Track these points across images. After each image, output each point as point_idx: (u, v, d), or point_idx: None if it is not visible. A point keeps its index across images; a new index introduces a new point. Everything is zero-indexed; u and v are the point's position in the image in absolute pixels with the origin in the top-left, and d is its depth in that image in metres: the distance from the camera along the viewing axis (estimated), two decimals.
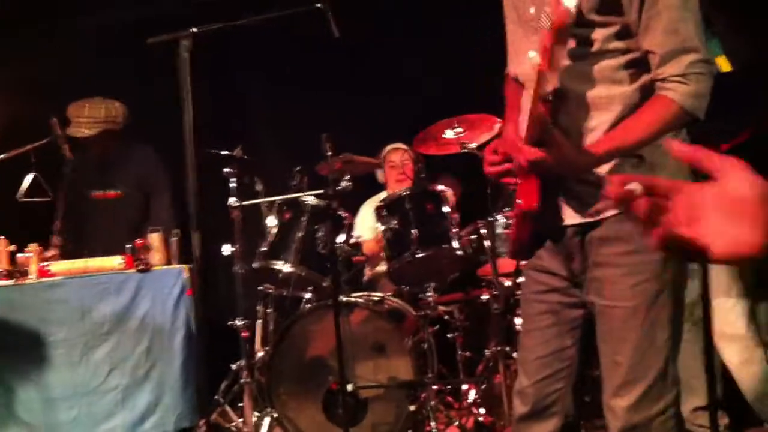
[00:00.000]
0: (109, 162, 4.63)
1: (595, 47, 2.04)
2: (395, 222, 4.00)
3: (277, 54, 5.39)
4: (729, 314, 3.30)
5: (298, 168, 4.27)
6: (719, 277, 3.25)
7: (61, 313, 3.92)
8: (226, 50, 4.68)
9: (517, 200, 2.09)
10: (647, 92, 2.04)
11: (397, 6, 5.36)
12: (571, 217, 2.13)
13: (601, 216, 2.08)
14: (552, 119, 2.02)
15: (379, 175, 5.16)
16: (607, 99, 2.05)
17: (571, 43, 2.03)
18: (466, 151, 4.15)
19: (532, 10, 2.11)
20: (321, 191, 4.05)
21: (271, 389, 3.97)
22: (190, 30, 3.00)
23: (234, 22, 3.07)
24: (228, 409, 4.28)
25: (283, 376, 3.98)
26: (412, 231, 3.94)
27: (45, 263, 3.97)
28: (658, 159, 2.04)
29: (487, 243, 4.12)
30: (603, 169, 2.05)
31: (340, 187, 3.96)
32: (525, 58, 2.08)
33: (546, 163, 1.98)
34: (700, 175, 1.01)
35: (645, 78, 2.04)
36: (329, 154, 3.73)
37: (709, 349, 2.91)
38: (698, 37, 1.98)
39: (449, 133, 4.32)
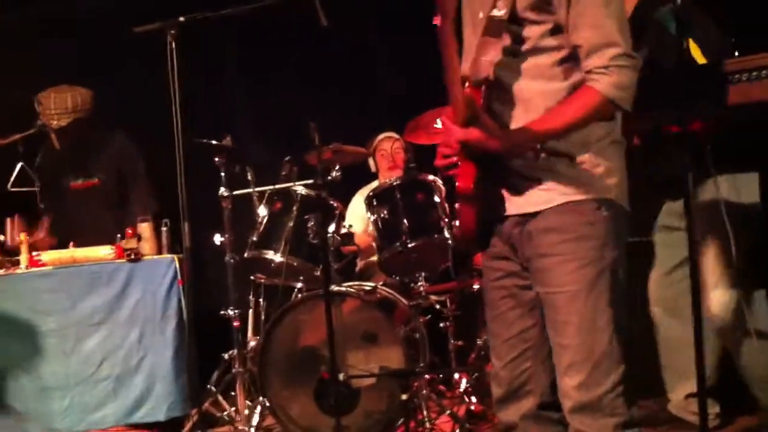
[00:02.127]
0: (86, 149, 4.58)
1: (529, 44, 2.17)
2: (386, 212, 3.99)
3: (266, 42, 5.37)
4: (719, 304, 3.30)
5: (287, 158, 4.27)
6: (711, 263, 3.26)
7: (52, 302, 3.92)
8: (215, 39, 4.65)
9: (456, 183, 2.20)
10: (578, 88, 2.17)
11: None
12: (512, 208, 2.25)
13: (541, 208, 2.20)
14: (485, 108, 2.16)
15: (372, 163, 5.16)
16: (540, 94, 2.18)
17: (506, 40, 2.17)
18: None
19: (481, 15, 2.23)
20: (311, 181, 4.05)
21: (263, 379, 3.97)
22: (177, 19, 2.99)
23: (221, 11, 3.05)
24: (220, 398, 4.29)
25: (274, 365, 3.97)
26: (403, 221, 3.93)
27: (36, 253, 3.97)
28: (592, 158, 2.18)
29: None
30: (540, 165, 2.19)
31: (330, 177, 3.96)
32: (470, 57, 2.22)
33: (474, 141, 2.12)
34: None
35: (578, 75, 2.17)
36: (317, 143, 3.72)
37: (699, 338, 2.91)
38: (620, 33, 2.11)
39: (440, 123, 4.29)
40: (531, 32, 2.16)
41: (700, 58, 2.95)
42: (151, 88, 3.43)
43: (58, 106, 4.34)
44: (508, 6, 2.13)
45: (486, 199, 2.21)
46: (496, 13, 2.14)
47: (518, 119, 2.19)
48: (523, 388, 2.31)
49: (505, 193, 2.25)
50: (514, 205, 2.24)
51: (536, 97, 2.18)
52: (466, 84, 2.18)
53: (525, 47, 2.17)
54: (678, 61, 2.55)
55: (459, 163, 2.20)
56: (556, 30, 2.15)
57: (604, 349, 2.16)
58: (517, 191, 2.22)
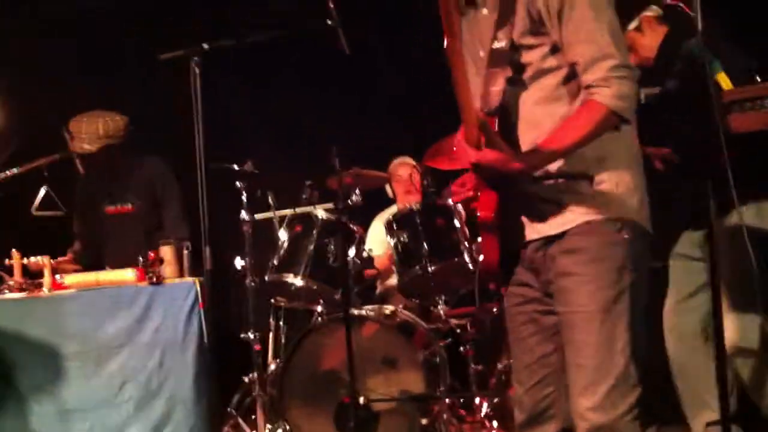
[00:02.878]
0: (118, 175, 4.61)
1: (532, 69, 2.21)
2: (406, 236, 4.01)
3: (287, 66, 5.42)
4: (741, 328, 3.27)
5: (308, 182, 4.29)
6: (731, 291, 3.23)
7: (75, 325, 3.92)
8: (237, 65, 4.69)
9: (477, 213, 2.23)
10: None
11: (408, 19, 5.37)
12: (534, 232, 2.26)
13: (562, 229, 2.21)
14: (499, 136, 2.16)
15: (389, 189, 5.18)
16: (548, 116, 2.20)
17: (508, 71, 2.21)
18: None
19: (482, 53, 2.29)
20: (331, 205, 4.07)
21: (283, 402, 3.98)
22: (202, 46, 3.03)
23: (245, 39, 3.10)
24: (241, 421, 4.29)
25: (294, 389, 3.99)
26: (423, 245, 3.94)
27: (58, 276, 3.99)
28: (610, 177, 2.20)
29: None
30: (560, 187, 2.21)
31: (350, 201, 3.98)
32: (478, 94, 2.28)
33: (489, 163, 2.13)
34: None
35: (583, 95, 2.18)
36: (338, 168, 3.75)
37: (722, 363, 2.89)
38: (614, 43, 2.14)
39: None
40: (531, 57, 2.20)
41: (728, 85, 2.95)
42: (174, 111, 3.46)
43: (89, 131, 4.36)
44: (507, 36, 2.20)
45: (508, 227, 2.23)
46: (497, 45, 2.20)
47: (530, 145, 2.20)
48: (546, 413, 2.33)
49: (526, 218, 2.27)
50: (536, 229, 2.25)
51: (545, 120, 2.20)
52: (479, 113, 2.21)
53: (528, 73, 2.21)
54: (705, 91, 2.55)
55: (479, 193, 2.23)
56: (555, 50, 2.19)
57: (621, 372, 2.16)
58: (539, 215, 2.24)
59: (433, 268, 3.91)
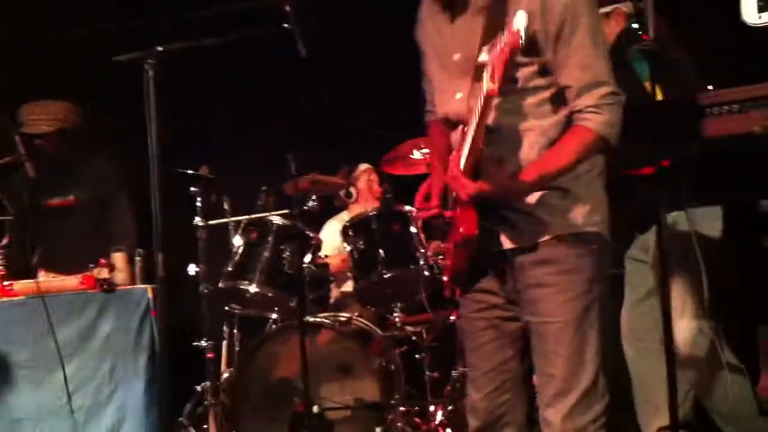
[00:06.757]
0: (65, 166, 4.49)
1: (520, 84, 2.21)
2: (362, 242, 4.02)
3: (243, 72, 5.40)
4: (688, 336, 3.31)
5: (264, 187, 4.28)
6: (677, 297, 3.27)
7: (24, 333, 3.86)
8: (193, 68, 4.65)
9: (458, 228, 2.22)
10: (566, 125, 2.22)
11: (363, 23, 5.38)
12: (506, 242, 2.28)
13: (534, 241, 2.24)
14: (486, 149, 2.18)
15: (353, 191, 5.18)
16: (531, 132, 2.22)
17: None
18: None
19: (457, 57, 2.29)
20: (287, 211, 4.06)
21: (236, 411, 3.95)
22: (156, 48, 2.99)
23: (200, 41, 3.06)
24: (192, 431, 4.24)
25: (248, 397, 3.97)
26: (379, 251, 3.95)
27: (8, 282, 3.91)
28: (581, 191, 2.24)
29: None
30: (533, 199, 2.23)
31: (306, 207, 3.97)
32: (453, 99, 2.30)
33: (487, 194, 2.14)
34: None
35: (564, 111, 2.22)
36: (295, 173, 3.75)
37: (671, 369, 2.92)
38: (608, 71, 2.20)
39: (417, 154, 4.34)
40: (521, 73, 2.20)
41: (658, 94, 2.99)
42: (128, 115, 3.42)
43: (44, 112, 4.29)
44: None
45: (480, 237, 2.23)
46: (484, 58, 2.14)
47: (513, 158, 2.22)
48: (502, 420, 2.35)
49: (497, 228, 2.27)
50: (508, 239, 2.27)
51: (530, 134, 2.22)
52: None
53: (516, 87, 2.20)
54: (640, 99, 2.60)
55: (459, 209, 2.23)
56: (543, 70, 2.20)
57: (591, 381, 2.21)
58: (511, 226, 2.26)
59: (389, 274, 3.92)
